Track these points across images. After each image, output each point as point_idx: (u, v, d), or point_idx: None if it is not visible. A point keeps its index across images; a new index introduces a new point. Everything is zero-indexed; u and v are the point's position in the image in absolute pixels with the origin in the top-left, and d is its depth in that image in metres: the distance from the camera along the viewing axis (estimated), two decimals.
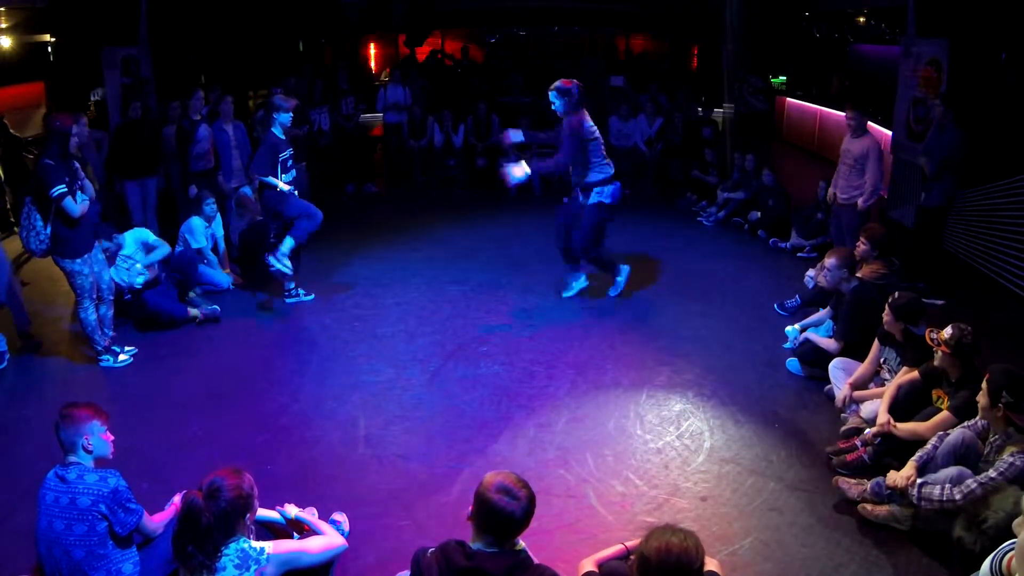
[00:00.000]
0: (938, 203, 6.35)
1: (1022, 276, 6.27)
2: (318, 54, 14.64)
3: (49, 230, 4.88)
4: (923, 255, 6.50)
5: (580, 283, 6.52)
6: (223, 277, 6.69)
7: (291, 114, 6.03)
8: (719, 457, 4.22)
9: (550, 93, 5.77)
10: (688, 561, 2.15)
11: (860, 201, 6.46)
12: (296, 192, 6.23)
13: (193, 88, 7.78)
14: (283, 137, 5.99)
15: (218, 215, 6.82)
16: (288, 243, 6.04)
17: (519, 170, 5.85)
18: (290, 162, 6.06)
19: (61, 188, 4.72)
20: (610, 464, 4.15)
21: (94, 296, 5.14)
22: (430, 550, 2.38)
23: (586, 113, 5.81)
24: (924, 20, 7.37)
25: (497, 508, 2.28)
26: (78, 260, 4.99)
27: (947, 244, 6.98)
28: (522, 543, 2.42)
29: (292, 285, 6.39)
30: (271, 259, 6.05)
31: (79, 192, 4.90)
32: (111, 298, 5.38)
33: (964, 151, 6.13)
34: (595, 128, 5.89)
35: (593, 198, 5.98)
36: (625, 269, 6.44)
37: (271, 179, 5.93)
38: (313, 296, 6.47)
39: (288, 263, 6.11)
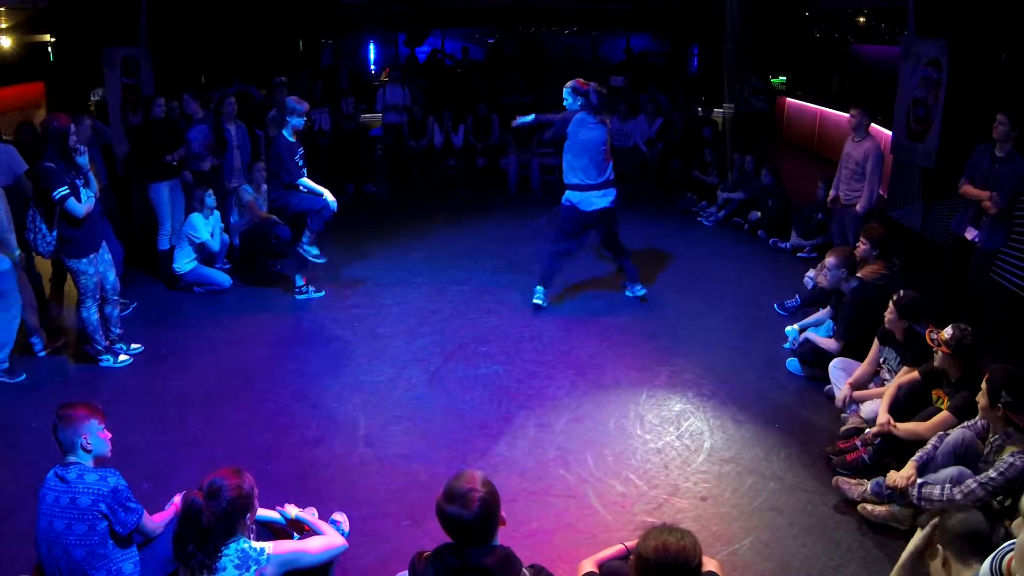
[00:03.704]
0: (998, 245, 5.50)
1: (1021, 275, 6.27)
2: (318, 54, 14.64)
3: (55, 232, 4.88)
4: (967, 294, 5.58)
5: (638, 291, 6.42)
6: (222, 277, 6.69)
7: (304, 119, 6.14)
8: (719, 457, 4.22)
9: (565, 89, 5.90)
10: (686, 560, 2.16)
11: (858, 207, 6.46)
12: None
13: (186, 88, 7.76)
14: (293, 139, 6.09)
15: (215, 210, 6.84)
16: (307, 235, 6.30)
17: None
18: (301, 162, 6.19)
19: (63, 190, 4.75)
20: (610, 464, 4.16)
21: (97, 296, 5.16)
22: (426, 554, 2.39)
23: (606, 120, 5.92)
24: (924, 20, 7.37)
25: (448, 516, 2.27)
26: (84, 260, 5.01)
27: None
28: None
29: (302, 282, 6.46)
30: (301, 250, 6.31)
31: (83, 189, 4.91)
32: (116, 298, 5.39)
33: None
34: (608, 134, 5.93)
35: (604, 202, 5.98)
36: (542, 292, 6.25)
37: (305, 182, 6.14)
38: (324, 292, 6.55)
39: (316, 250, 6.36)
